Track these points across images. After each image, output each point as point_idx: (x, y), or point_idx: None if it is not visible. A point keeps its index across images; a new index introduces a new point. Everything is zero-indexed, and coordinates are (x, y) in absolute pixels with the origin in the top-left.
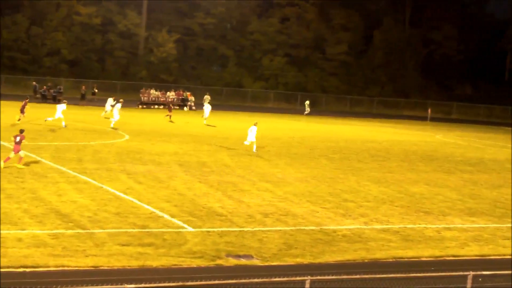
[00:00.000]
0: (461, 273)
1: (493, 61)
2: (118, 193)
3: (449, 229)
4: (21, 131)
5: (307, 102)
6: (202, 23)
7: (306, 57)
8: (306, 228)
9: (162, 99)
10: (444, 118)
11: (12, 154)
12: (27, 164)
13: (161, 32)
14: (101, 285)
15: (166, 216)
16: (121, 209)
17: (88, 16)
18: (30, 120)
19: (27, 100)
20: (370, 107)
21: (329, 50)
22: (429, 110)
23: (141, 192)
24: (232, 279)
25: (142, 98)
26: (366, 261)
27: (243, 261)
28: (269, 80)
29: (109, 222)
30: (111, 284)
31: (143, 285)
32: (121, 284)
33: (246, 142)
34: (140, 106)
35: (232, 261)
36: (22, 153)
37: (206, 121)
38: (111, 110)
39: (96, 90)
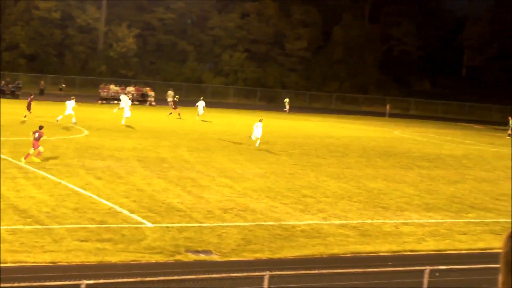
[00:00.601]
0: (418, 267)
1: (451, 58)
2: (76, 188)
3: (406, 224)
4: (40, 127)
5: (287, 99)
6: (162, 18)
7: (265, 52)
8: (265, 223)
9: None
10: (402, 114)
11: (31, 150)
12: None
13: (121, 27)
14: (59, 281)
15: (125, 212)
16: (79, 204)
17: (47, 10)
18: None
19: (32, 97)
20: (329, 103)
21: (289, 46)
22: (388, 106)
23: (100, 187)
24: (191, 275)
25: (102, 93)
26: (325, 256)
27: (202, 257)
28: (229, 75)
29: (67, 217)
30: (70, 280)
31: (101, 280)
32: (80, 280)
33: (253, 137)
34: (99, 102)
35: (191, 257)
36: (41, 148)
37: (199, 117)
38: (123, 108)
39: (64, 85)
